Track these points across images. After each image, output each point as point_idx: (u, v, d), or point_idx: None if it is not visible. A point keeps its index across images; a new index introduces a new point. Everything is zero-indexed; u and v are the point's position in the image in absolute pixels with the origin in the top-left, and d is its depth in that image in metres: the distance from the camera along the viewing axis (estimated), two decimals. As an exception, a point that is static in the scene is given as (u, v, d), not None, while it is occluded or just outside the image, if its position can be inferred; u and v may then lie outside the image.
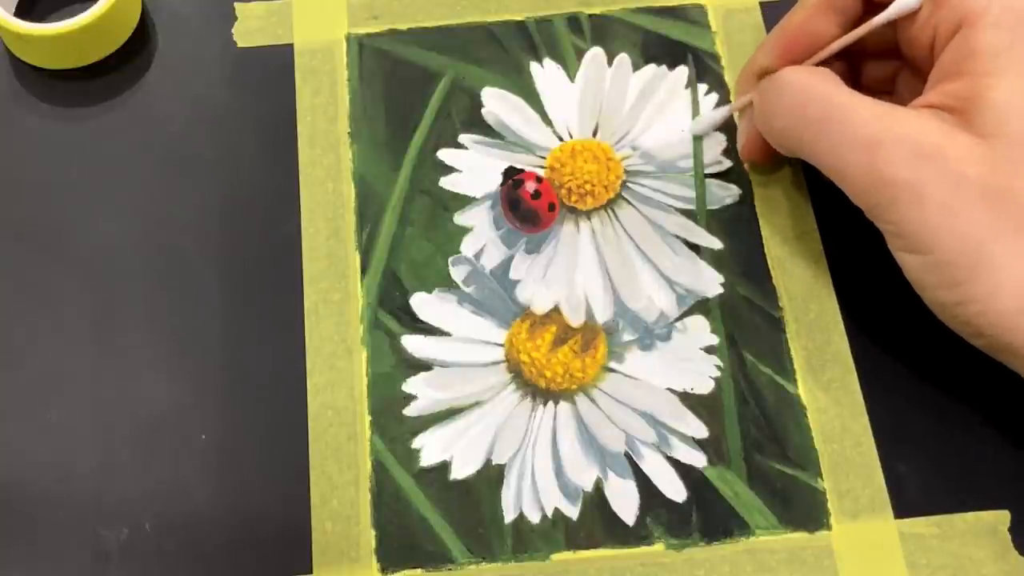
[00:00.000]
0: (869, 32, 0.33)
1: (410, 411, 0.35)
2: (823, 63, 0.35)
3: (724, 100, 0.40)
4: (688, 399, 0.35)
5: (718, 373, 0.35)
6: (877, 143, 0.30)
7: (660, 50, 0.41)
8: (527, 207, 0.38)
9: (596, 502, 0.33)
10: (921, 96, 0.32)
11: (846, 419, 0.34)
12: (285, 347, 0.36)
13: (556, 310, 0.36)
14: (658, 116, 0.39)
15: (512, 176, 0.38)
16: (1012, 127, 0.30)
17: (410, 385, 0.35)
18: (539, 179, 0.38)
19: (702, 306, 0.36)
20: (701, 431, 0.34)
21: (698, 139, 0.39)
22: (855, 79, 0.37)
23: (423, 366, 0.35)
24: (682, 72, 0.40)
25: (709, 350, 0.36)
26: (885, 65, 0.36)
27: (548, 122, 0.39)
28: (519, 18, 0.41)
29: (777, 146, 0.35)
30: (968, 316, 0.30)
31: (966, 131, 0.30)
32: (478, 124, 0.39)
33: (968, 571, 0.32)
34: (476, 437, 0.34)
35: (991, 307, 0.29)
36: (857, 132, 0.31)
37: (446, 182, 0.38)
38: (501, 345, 0.36)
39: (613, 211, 0.38)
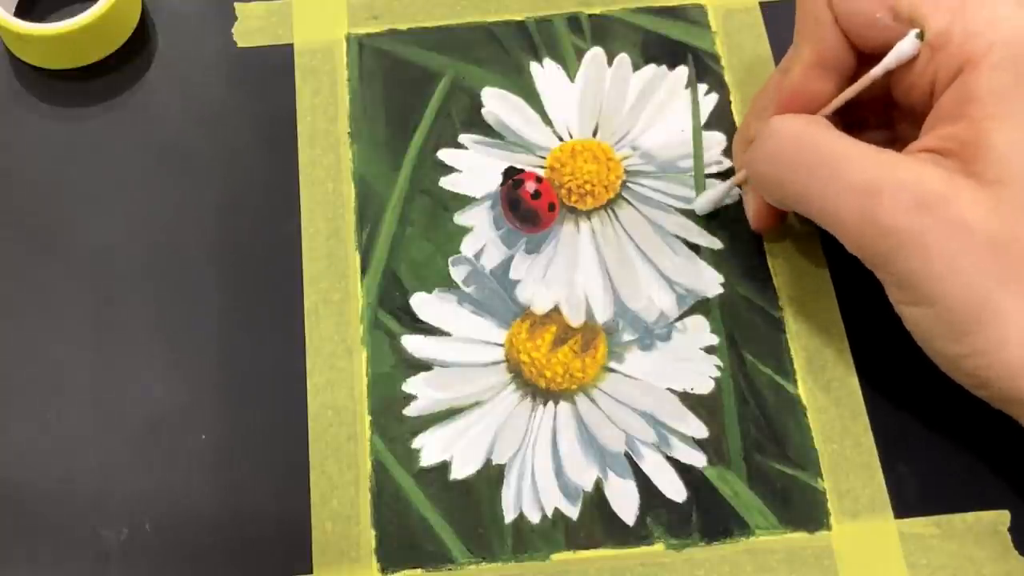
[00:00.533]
0: (872, 82, 0.32)
1: (410, 411, 0.35)
2: None
3: (724, 100, 0.40)
4: (688, 399, 0.35)
5: (718, 373, 0.35)
6: (876, 190, 0.29)
7: (660, 50, 0.41)
8: (527, 207, 0.38)
9: (596, 502, 0.33)
10: (918, 140, 0.31)
11: (846, 419, 0.34)
12: (285, 347, 0.36)
13: (556, 310, 0.36)
14: (658, 116, 0.39)
15: (512, 176, 0.38)
16: (1015, 172, 0.29)
17: (410, 385, 0.35)
18: (539, 179, 0.38)
19: (702, 306, 0.36)
20: (701, 431, 0.34)
21: (698, 139, 0.39)
22: (847, 126, 0.34)
23: (423, 366, 0.35)
24: (682, 72, 0.40)
25: (709, 350, 0.36)
26: (878, 110, 0.35)
27: (548, 122, 0.39)
28: (519, 18, 0.41)
29: (772, 199, 0.34)
30: (974, 368, 0.29)
31: (967, 177, 0.29)
32: (478, 124, 0.39)
33: (968, 571, 0.32)
34: (476, 437, 0.34)
35: (998, 359, 0.29)
36: (854, 179, 0.30)
37: (446, 182, 0.38)
38: (501, 345, 0.36)
39: (613, 211, 0.38)
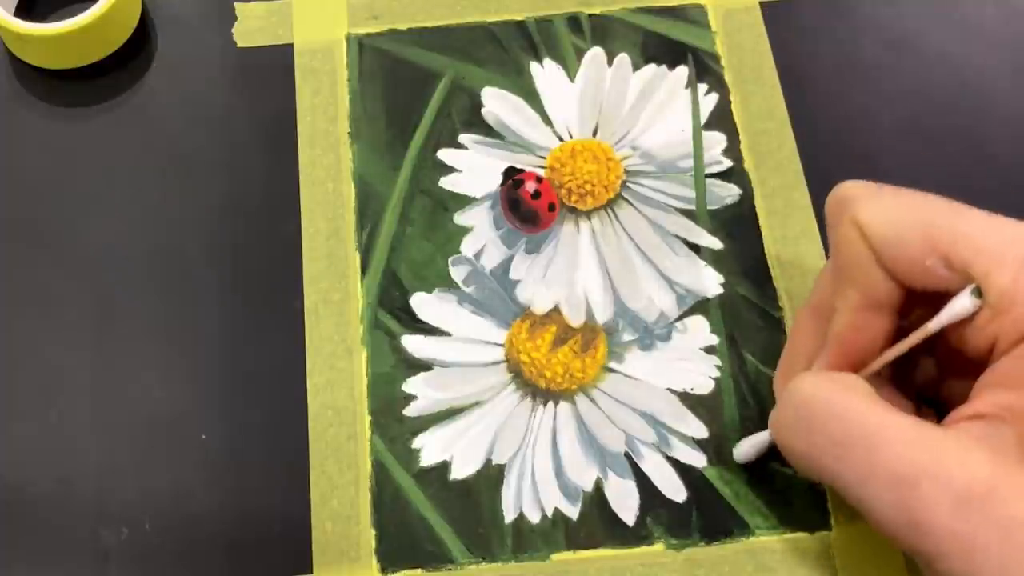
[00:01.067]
0: (924, 338, 0.29)
1: (410, 411, 0.35)
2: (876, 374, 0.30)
3: (724, 100, 0.40)
4: (688, 399, 0.35)
5: (718, 373, 0.35)
6: (914, 481, 0.25)
7: (660, 50, 0.41)
8: (527, 207, 0.38)
9: (596, 502, 0.33)
10: (968, 403, 0.28)
11: (846, 419, 0.34)
12: (285, 347, 0.36)
13: (556, 310, 0.36)
14: (658, 116, 0.39)
15: (512, 176, 0.38)
16: None
17: (410, 385, 0.35)
18: (539, 179, 0.38)
19: (702, 306, 0.36)
20: (701, 431, 0.34)
21: (698, 139, 0.39)
22: (893, 377, 0.31)
23: (423, 366, 0.35)
24: (682, 72, 0.40)
25: (709, 350, 0.36)
26: (929, 363, 0.31)
27: (548, 122, 0.39)
28: (519, 18, 0.41)
29: (799, 469, 0.29)
30: None
31: (1022, 459, 0.26)
32: (478, 124, 0.39)
33: (968, 571, 0.32)
34: (476, 437, 0.34)
35: None
36: (889, 465, 0.26)
37: (446, 182, 0.38)
38: (501, 345, 0.36)
39: (613, 211, 0.38)
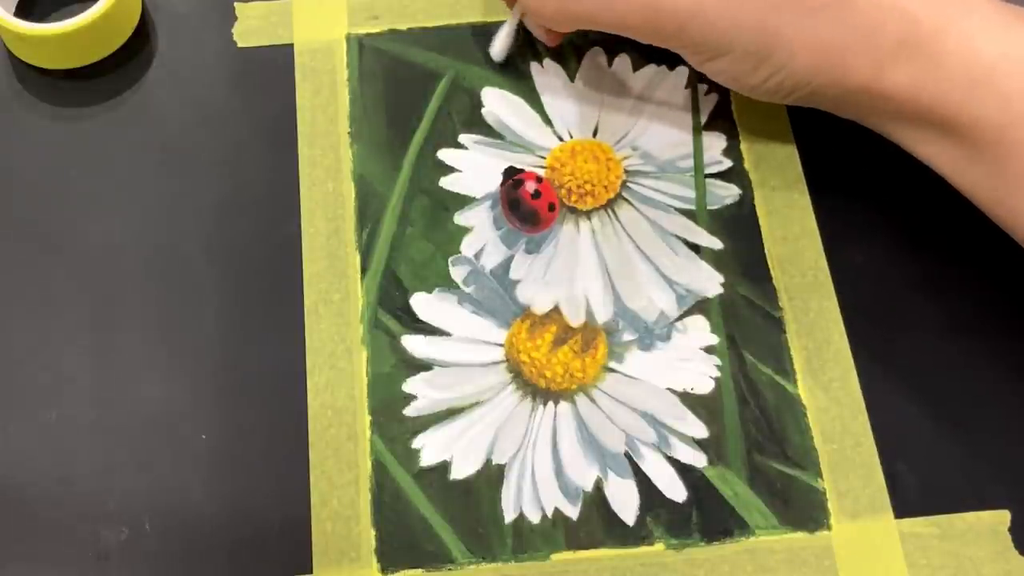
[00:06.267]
0: None
1: (410, 411, 0.35)
2: None
3: (724, 100, 0.40)
4: (688, 399, 0.35)
5: (718, 373, 0.35)
6: None
7: (660, 50, 0.40)
8: (527, 207, 0.38)
9: (596, 502, 0.33)
10: None
11: (846, 419, 0.34)
12: (285, 347, 0.36)
13: (556, 310, 0.36)
14: (658, 116, 0.39)
15: (512, 176, 0.38)
16: None
17: (410, 385, 0.35)
18: (539, 179, 0.38)
19: (702, 306, 0.36)
20: (701, 431, 0.34)
21: (698, 139, 0.39)
22: None
23: (423, 366, 0.35)
24: (682, 72, 0.40)
25: (709, 350, 0.36)
26: None
27: (548, 122, 0.39)
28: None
29: (556, 27, 0.37)
30: (778, 85, 0.35)
31: None
32: (478, 124, 0.39)
33: (968, 571, 0.32)
34: (476, 437, 0.34)
35: (792, 69, 0.34)
36: None
37: (446, 182, 0.38)
38: (501, 345, 0.36)
39: (613, 211, 0.38)
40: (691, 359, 0.35)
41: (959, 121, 0.32)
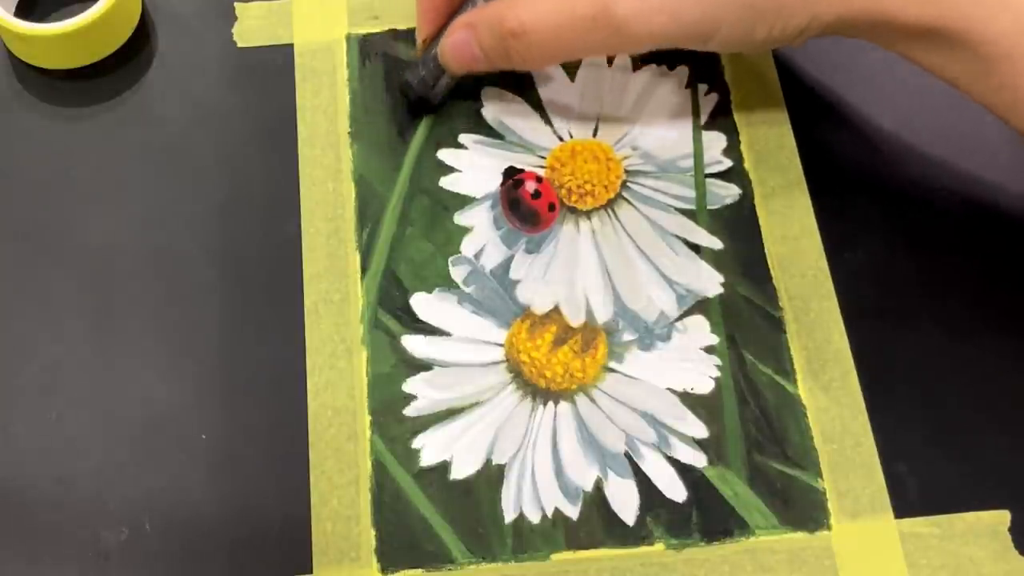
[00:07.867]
0: None
1: (410, 411, 0.35)
2: None
3: (724, 100, 0.40)
4: (688, 399, 0.35)
5: (718, 373, 0.35)
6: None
7: (660, 50, 0.41)
8: (527, 207, 0.38)
9: (596, 502, 0.33)
10: None
11: (846, 419, 0.34)
12: (285, 347, 0.36)
13: (556, 310, 0.36)
14: (658, 116, 0.39)
15: (512, 176, 0.38)
16: None
17: (410, 385, 0.35)
18: (539, 179, 0.38)
19: (702, 306, 0.36)
20: (701, 431, 0.34)
21: (698, 139, 0.39)
22: None
23: (423, 366, 0.35)
24: (682, 72, 0.40)
25: (709, 350, 0.36)
26: None
27: (548, 122, 0.39)
28: (519, 18, 0.41)
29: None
30: (780, 34, 0.34)
31: None
32: (478, 124, 0.39)
33: (968, 571, 0.32)
34: (476, 437, 0.34)
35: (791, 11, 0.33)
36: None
37: (446, 182, 0.38)
38: (501, 345, 0.36)
39: (613, 211, 0.38)
40: (691, 359, 0.35)
41: (969, 36, 0.32)
